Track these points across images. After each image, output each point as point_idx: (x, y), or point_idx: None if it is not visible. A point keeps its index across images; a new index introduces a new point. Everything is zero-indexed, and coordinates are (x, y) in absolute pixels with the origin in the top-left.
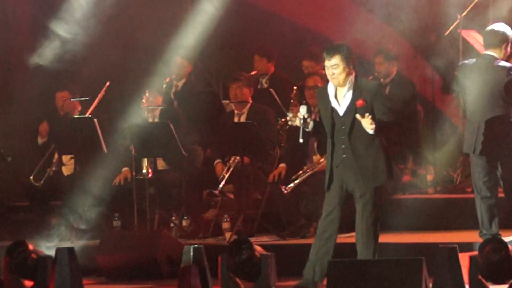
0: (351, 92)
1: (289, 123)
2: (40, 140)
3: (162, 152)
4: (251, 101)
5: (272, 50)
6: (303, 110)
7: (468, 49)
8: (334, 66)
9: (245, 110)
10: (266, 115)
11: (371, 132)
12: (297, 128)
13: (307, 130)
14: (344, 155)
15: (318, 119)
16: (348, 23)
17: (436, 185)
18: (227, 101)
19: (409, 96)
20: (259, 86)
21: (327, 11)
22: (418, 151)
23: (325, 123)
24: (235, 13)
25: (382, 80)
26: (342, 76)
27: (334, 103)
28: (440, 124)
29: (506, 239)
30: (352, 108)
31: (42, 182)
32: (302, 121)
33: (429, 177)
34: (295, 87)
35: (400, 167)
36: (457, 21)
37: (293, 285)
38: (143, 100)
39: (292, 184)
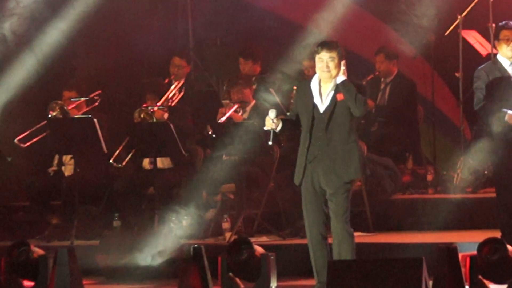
0: (334, 90)
1: (265, 128)
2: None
3: (162, 152)
4: (253, 101)
5: (256, 50)
6: (272, 114)
7: (468, 49)
8: (330, 59)
9: (248, 109)
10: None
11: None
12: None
13: (276, 132)
14: (319, 152)
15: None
16: (348, 23)
17: (436, 185)
18: (227, 101)
19: (409, 96)
20: None
21: (327, 11)
22: (418, 151)
23: (304, 118)
24: (235, 13)
25: (382, 79)
26: (335, 72)
27: (316, 99)
28: (440, 124)
29: None
30: (332, 105)
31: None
32: (273, 124)
33: (429, 177)
34: (295, 87)
35: (400, 167)
36: (457, 21)
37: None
38: (149, 103)
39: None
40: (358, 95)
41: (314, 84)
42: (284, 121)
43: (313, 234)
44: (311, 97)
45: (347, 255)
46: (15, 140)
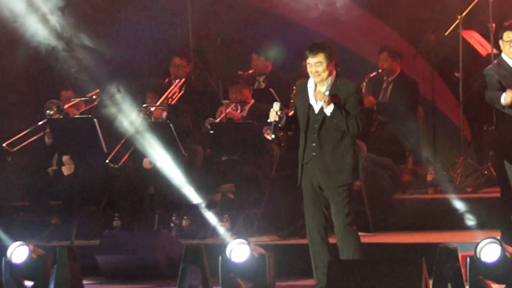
0: (328, 90)
1: (268, 120)
2: (47, 141)
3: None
4: (252, 101)
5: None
6: (276, 106)
7: (468, 49)
8: (317, 64)
9: (247, 107)
10: (267, 113)
11: (328, 111)
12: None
13: (279, 126)
14: (314, 153)
15: (292, 115)
16: (348, 23)
17: (436, 185)
18: (227, 101)
19: (411, 96)
20: (256, 86)
21: (327, 11)
22: (418, 151)
23: (300, 119)
24: (235, 12)
25: (385, 78)
26: (325, 74)
27: (312, 100)
28: (440, 124)
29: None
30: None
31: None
32: (277, 117)
33: (429, 177)
34: (295, 87)
35: (400, 167)
36: (457, 21)
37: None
38: (148, 102)
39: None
40: (349, 121)
41: (310, 85)
42: (289, 118)
43: (312, 235)
44: (307, 98)
45: (350, 255)
46: (4, 145)
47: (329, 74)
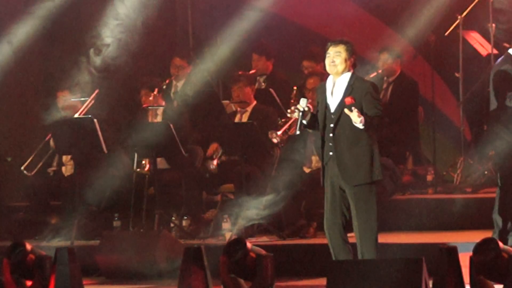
0: (343, 89)
1: (289, 115)
2: (52, 144)
3: (162, 152)
4: (254, 102)
5: (270, 48)
6: (303, 102)
7: (468, 49)
8: (337, 53)
9: (249, 109)
10: (268, 114)
11: (360, 127)
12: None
13: (304, 122)
14: (331, 153)
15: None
16: (348, 23)
17: (436, 185)
18: (227, 101)
19: (411, 96)
20: (256, 86)
21: (327, 11)
22: (418, 151)
23: (319, 119)
24: (235, 13)
25: (385, 78)
26: (342, 67)
27: (329, 99)
28: (440, 124)
29: None
30: (341, 106)
31: (34, 172)
32: (301, 113)
33: (429, 177)
34: (295, 87)
35: (400, 167)
36: (457, 21)
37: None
38: (143, 100)
39: (280, 132)
40: (374, 123)
41: (329, 84)
42: (314, 115)
43: (331, 234)
44: (325, 97)
45: (367, 257)
46: (22, 168)
47: (345, 70)
